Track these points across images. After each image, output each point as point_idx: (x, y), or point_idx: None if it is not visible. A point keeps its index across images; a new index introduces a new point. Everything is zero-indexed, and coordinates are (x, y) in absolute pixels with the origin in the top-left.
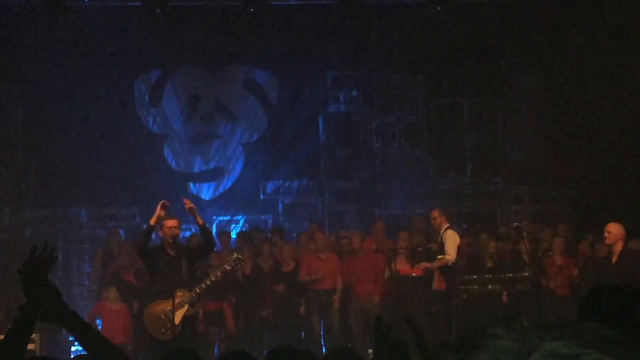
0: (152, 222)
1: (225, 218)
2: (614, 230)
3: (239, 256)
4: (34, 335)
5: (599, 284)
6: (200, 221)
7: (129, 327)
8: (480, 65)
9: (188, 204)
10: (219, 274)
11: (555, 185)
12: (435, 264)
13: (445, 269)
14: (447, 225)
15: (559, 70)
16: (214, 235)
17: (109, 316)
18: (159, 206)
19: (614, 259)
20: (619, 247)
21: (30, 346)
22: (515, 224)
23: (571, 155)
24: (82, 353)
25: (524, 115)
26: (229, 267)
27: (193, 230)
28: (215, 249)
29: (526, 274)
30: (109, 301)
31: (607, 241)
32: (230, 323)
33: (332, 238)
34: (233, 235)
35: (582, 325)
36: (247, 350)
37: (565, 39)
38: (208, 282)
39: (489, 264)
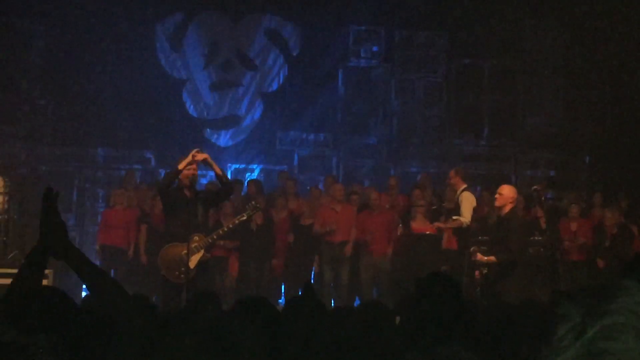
0: (181, 166)
1: (240, 166)
2: (505, 192)
3: (257, 205)
4: (47, 272)
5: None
6: (217, 170)
7: (132, 232)
8: (502, 26)
9: (200, 156)
10: (236, 221)
11: (572, 152)
12: (450, 225)
13: (458, 230)
14: (464, 186)
15: (581, 34)
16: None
17: (111, 219)
18: (191, 153)
19: (492, 220)
20: (505, 210)
21: (44, 282)
22: (534, 187)
23: (589, 122)
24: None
25: (544, 79)
26: (246, 216)
27: (209, 177)
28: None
29: (539, 237)
30: (111, 206)
31: (497, 203)
32: (233, 273)
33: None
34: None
35: None
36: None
37: (590, 3)
38: (225, 229)
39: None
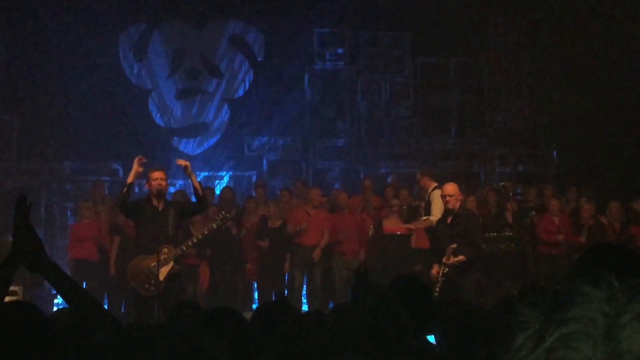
0: (129, 179)
1: (209, 173)
2: (454, 192)
3: (227, 214)
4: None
5: (597, 244)
6: (195, 182)
7: (97, 243)
8: (466, 24)
9: (182, 162)
10: (206, 231)
11: (540, 147)
12: (420, 224)
13: (430, 229)
14: (434, 185)
15: (546, 30)
16: None
17: (80, 233)
18: (135, 162)
19: (449, 219)
20: (456, 206)
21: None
22: (501, 184)
23: (556, 116)
24: (64, 306)
25: (510, 75)
26: (216, 225)
27: (178, 186)
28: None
29: (509, 233)
30: (80, 219)
31: (450, 205)
32: (204, 282)
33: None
34: (217, 192)
35: None
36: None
37: None
38: (195, 240)
39: None
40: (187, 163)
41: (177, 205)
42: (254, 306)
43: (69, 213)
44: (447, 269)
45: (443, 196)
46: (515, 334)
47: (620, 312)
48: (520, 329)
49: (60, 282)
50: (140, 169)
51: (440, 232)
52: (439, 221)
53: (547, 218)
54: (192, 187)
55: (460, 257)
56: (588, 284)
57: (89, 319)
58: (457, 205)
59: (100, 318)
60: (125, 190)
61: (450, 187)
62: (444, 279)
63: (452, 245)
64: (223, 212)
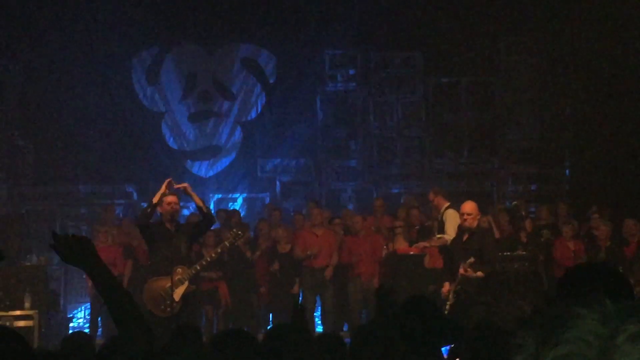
0: (155, 199)
1: (222, 196)
2: (473, 211)
3: (238, 232)
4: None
5: (579, 264)
6: (197, 199)
7: (119, 268)
8: (478, 44)
9: (180, 185)
10: (219, 250)
11: (552, 165)
12: (434, 243)
13: (444, 249)
14: (447, 204)
15: (557, 49)
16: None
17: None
18: (164, 184)
19: (465, 237)
20: (474, 225)
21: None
22: (513, 202)
23: (568, 135)
24: (79, 329)
25: (522, 94)
26: (228, 243)
27: (191, 209)
28: (213, 226)
29: (523, 252)
30: (99, 244)
31: (468, 224)
32: (226, 299)
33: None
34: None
35: None
36: (245, 329)
37: (563, 17)
38: (209, 259)
39: None
40: (185, 185)
41: (187, 227)
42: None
43: (83, 234)
44: (459, 287)
45: (462, 214)
46: (512, 357)
47: (614, 333)
48: (516, 352)
49: (100, 278)
50: (167, 191)
51: (455, 251)
52: (454, 239)
53: (563, 243)
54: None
55: (479, 273)
56: (581, 306)
57: (127, 324)
58: (475, 224)
59: (137, 325)
60: (149, 210)
61: (469, 206)
62: (455, 297)
63: (470, 259)
64: (234, 230)
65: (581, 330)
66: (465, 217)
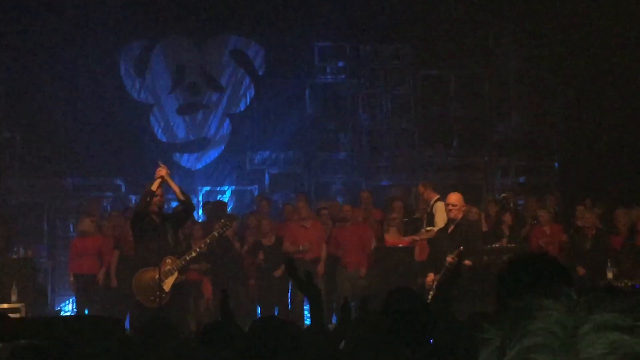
0: (154, 187)
1: (211, 188)
2: (458, 202)
3: (227, 222)
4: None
5: (518, 255)
6: (174, 186)
7: (105, 258)
8: (467, 37)
9: (161, 171)
10: (208, 240)
11: (542, 158)
12: (423, 236)
13: (432, 241)
14: (437, 196)
15: (546, 41)
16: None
17: (80, 248)
18: (164, 173)
19: (450, 228)
20: (459, 216)
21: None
22: (502, 195)
23: (556, 127)
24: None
25: (510, 87)
26: (217, 233)
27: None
28: (194, 214)
29: (513, 244)
30: (80, 234)
31: (453, 215)
32: (208, 294)
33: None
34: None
35: (634, 296)
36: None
37: (552, 9)
38: (198, 250)
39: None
40: (163, 172)
41: (171, 217)
42: None
43: (71, 229)
44: (442, 278)
45: (447, 205)
46: (480, 351)
47: (579, 324)
48: (483, 346)
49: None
50: (164, 174)
51: (441, 241)
52: (440, 230)
53: (538, 229)
54: (196, 205)
55: (467, 262)
56: (547, 297)
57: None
58: (460, 215)
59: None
60: (149, 198)
61: (454, 197)
62: (437, 288)
63: (460, 247)
64: (222, 220)
65: (546, 322)
66: (450, 207)
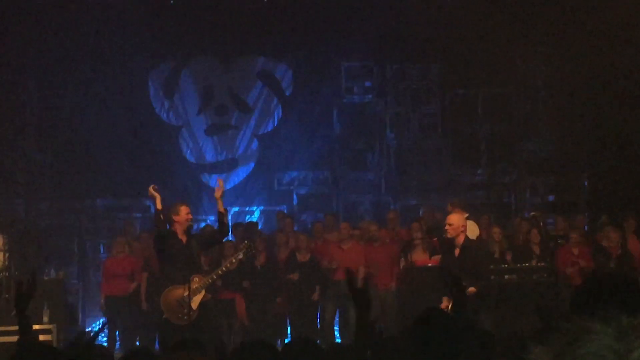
0: (158, 206)
1: (240, 209)
2: (455, 222)
3: (251, 244)
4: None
5: (594, 275)
6: (221, 208)
7: (135, 279)
8: (494, 55)
9: (219, 190)
10: (234, 260)
11: (571, 175)
12: None
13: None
14: (465, 215)
15: (573, 58)
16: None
17: (113, 269)
18: (151, 190)
19: (457, 252)
20: (460, 239)
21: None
22: (531, 213)
23: (586, 145)
24: (97, 343)
25: (539, 104)
26: (242, 256)
27: (208, 221)
28: (226, 239)
29: (542, 263)
30: (113, 255)
31: (449, 234)
32: (242, 314)
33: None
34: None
35: None
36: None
37: (579, 25)
38: (224, 269)
39: (496, 255)
40: (218, 194)
41: (200, 238)
42: (287, 340)
43: (102, 250)
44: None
45: (444, 224)
46: None
47: (630, 349)
48: None
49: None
50: (157, 194)
51: (449, 266)
52: (445, 253)
53: (567, 249)
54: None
55: (471, 289)
56: (597, 321)
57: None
58: (460, 236)
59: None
60: (160, 217)
61: (452, 217)
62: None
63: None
64: (246, 242)
65: (596, 346)
66: (446, 227)
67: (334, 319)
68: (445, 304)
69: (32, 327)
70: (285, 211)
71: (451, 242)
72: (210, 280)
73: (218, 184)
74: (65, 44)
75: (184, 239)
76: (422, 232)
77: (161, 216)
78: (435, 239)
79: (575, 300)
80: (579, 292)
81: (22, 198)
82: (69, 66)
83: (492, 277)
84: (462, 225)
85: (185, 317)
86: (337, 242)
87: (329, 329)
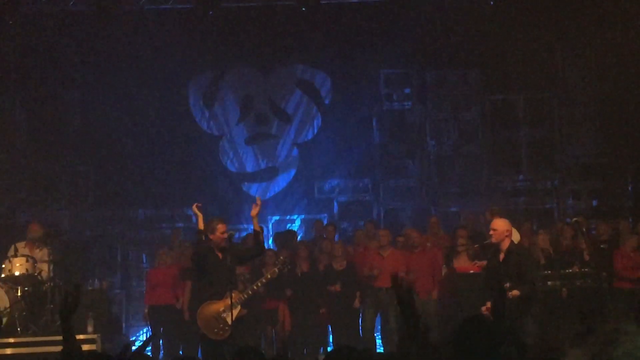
0: (200, 226)
1: (280, 217)
2: (499, 227)
3: (286, 260)
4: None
5: None
6: (257, 227)
7: (178, 288)
8: (534, 60)
9: (255, 208)
10: (269, 276)
11: (614, 180)
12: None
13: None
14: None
15: (615, 61)
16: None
17: (155, 279)
18: (194, 209)
19: (501, 256)
20: (505, 244)
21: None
22: (574, 219)
23: (629, 149)
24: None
25: (579, 109)
26: (278, 270)
27: (250, 230)
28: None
29: (586, 269)
30: (156, 265)
31: (493, 239)
32: (287, 321)
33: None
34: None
35: None
36: (304, 350)
37: (620, 28)
38: (259, 284)
39: (542, 261)
40: (254, 212)
41: (233, 252)
42: (329, 348)
43: (144, 259)
44: (493, 308)
45: (488, 229)
46: None
47: None
48: None
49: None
50: (200, 213)
51: (495, 270)
52: (490, 259)
53: (625, 254)
54: (267, 234)
55: (514, 292)
56: (632, 323)
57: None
58: (505, 241)
59: None
60: (202, 238)
61: (497, 222)
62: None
63: (505, 285)
64: (281, 257)
65: (629, 347)
66: (490, 232)
67: (374, 326)
68: (488, 307)
69: (75, 337)
70: (326, 219)
71: (495, 247)
72: (245, 296)
73: (256, 201)
74: (106, 56)
75: (220, 254)
76: (466, 238)
77: (203, 237)
78: (476, 245)
79: None
80: None
81: (66, 209)
82: (110, 78)
83: (540, 284)
84: (506, 230)
85: (221, 332)
86: (376, 249)
87: (371, 337)
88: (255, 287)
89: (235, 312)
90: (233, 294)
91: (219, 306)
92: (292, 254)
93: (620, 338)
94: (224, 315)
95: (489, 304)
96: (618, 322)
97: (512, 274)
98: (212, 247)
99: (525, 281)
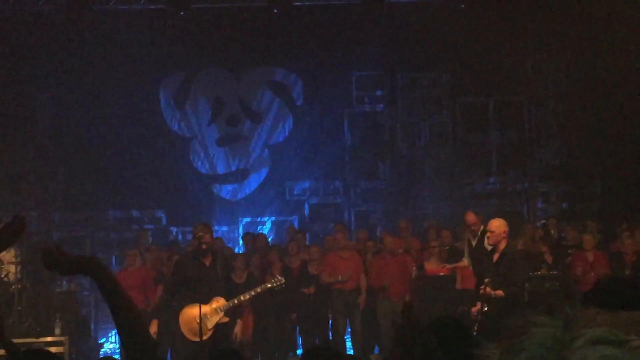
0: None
1: (251, 219)
2: (496, 229)
3: (282, 280)
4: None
5: (606, 277)
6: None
7: (149, 292)
8: (504, 63)
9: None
10: (259, 290)
11: (584, 183)
12: (461, 264)
13: (476, 267)
14: (482, 226)
15: (584, 65)
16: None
17: (125, 281)
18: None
19: (495, 257)
20: (502, 245)
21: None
22: (543, 221)
23: (598, 152)
24: (109, 355)
25: (550, 112)
26: (270, 285)
27: (220, 232)
28: (237, 249)
29: (555, 272)
30: (125, 267)
31: (490, 241)
32: (248, 324)
33: (358, 238)
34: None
35: (629, 314)
36: (275, 354)
37: (590, 33)
38: (248, 296)
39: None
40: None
41: (223, 260)
42: (299, 351)
43: (114, 261)
44: (487, 308)
45: (485, 231)
46: None
47: (574, 337)
48: None
49: (112, 291)
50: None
51: (485, 270)
52: (484, 259)
53: (582, 255)
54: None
55: (499, 292)
56: (544, 315)
57: (128, 330)
58: (501, 243)
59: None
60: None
61: (494, 223)
62: (483, 318)
63: (486, 280)
64: (278, 277)
65: (542, 337)
66: (488, 234)
67: (345, 330)
68: (477, 308)
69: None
70: (297, 222)
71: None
72: (230, 304)
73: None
74: (76, 56)
75: (207, 261)
76: (439, 240)
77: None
78: (447, 247)
79: (585, 302)
80: (587, 297)
81: (34, 211)
82: (79, 77)
83: (526, 286)
84: (503, 232)
85: (198, 335)
86: (337, 252)
87: (341, 340)
88: (242, 298)
89: (217, 318)
90: (219, 300)
91: (203, 309)
92: (263, 257)
93: (532, 329)
94: (206, 319)
95: (478, 305)
96: (529, 315)
97: (502, 274)
98: (197, 254)
99: (511, 283)
